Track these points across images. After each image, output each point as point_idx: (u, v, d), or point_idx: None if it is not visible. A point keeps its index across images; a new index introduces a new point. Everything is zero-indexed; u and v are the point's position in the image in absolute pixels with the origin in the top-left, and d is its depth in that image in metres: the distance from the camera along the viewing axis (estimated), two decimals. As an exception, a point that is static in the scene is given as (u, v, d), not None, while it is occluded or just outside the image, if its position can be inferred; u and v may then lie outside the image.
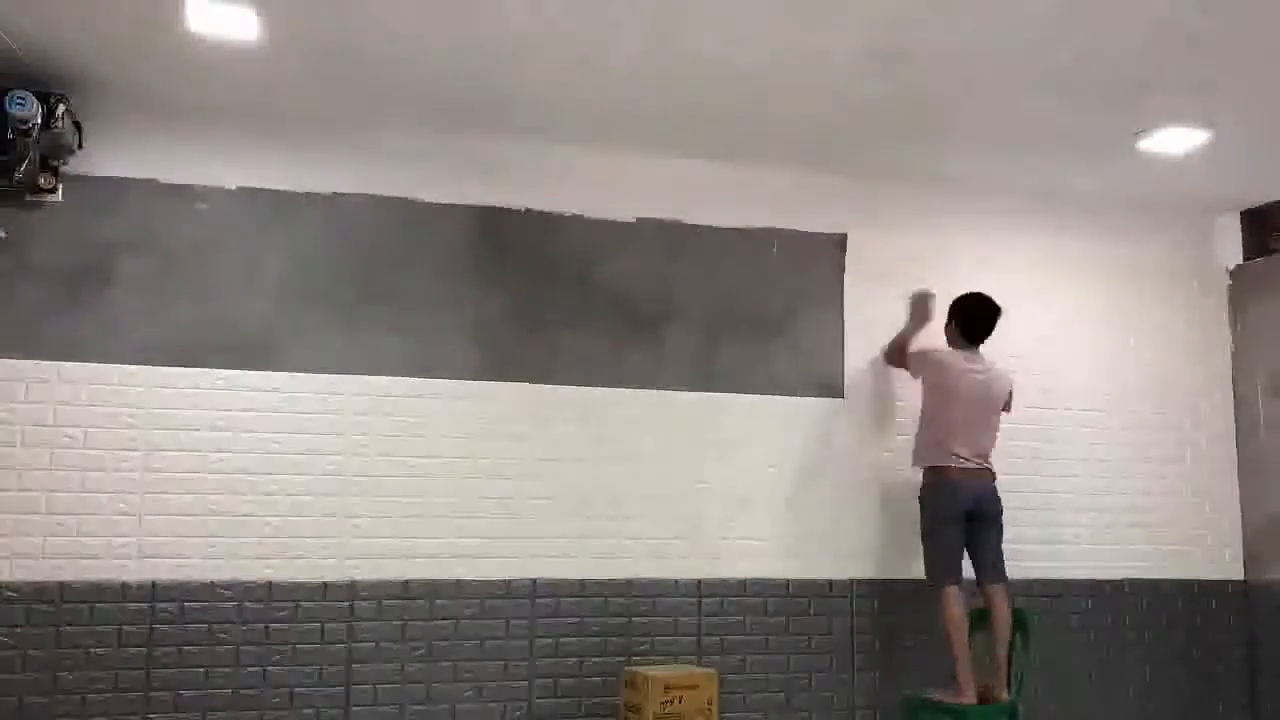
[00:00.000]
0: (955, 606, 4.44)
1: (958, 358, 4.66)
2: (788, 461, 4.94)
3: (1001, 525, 4.60)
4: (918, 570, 4.65)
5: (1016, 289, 5.29)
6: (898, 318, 4.94)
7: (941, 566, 4.52)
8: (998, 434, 4.67)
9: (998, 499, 4.59)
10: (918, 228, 5.24)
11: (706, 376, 4.87)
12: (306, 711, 4.24)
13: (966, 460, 4.53)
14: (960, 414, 4.58)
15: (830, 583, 4.91)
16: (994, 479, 4.60)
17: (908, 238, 5.21)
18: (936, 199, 5.26)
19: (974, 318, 4.68)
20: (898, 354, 4.93)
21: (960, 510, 4.51)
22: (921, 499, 4.64)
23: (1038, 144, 4.71)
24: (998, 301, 4.71)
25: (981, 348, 4.71)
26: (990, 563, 4.56)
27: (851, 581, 4.92)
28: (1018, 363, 5.15)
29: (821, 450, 4.99)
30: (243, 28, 3.67)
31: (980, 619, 4.57)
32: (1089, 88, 4.09)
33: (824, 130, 4.59)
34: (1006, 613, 4.54)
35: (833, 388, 5.04)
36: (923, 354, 4.78)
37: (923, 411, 4.75)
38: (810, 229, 5.09)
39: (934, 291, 4.85)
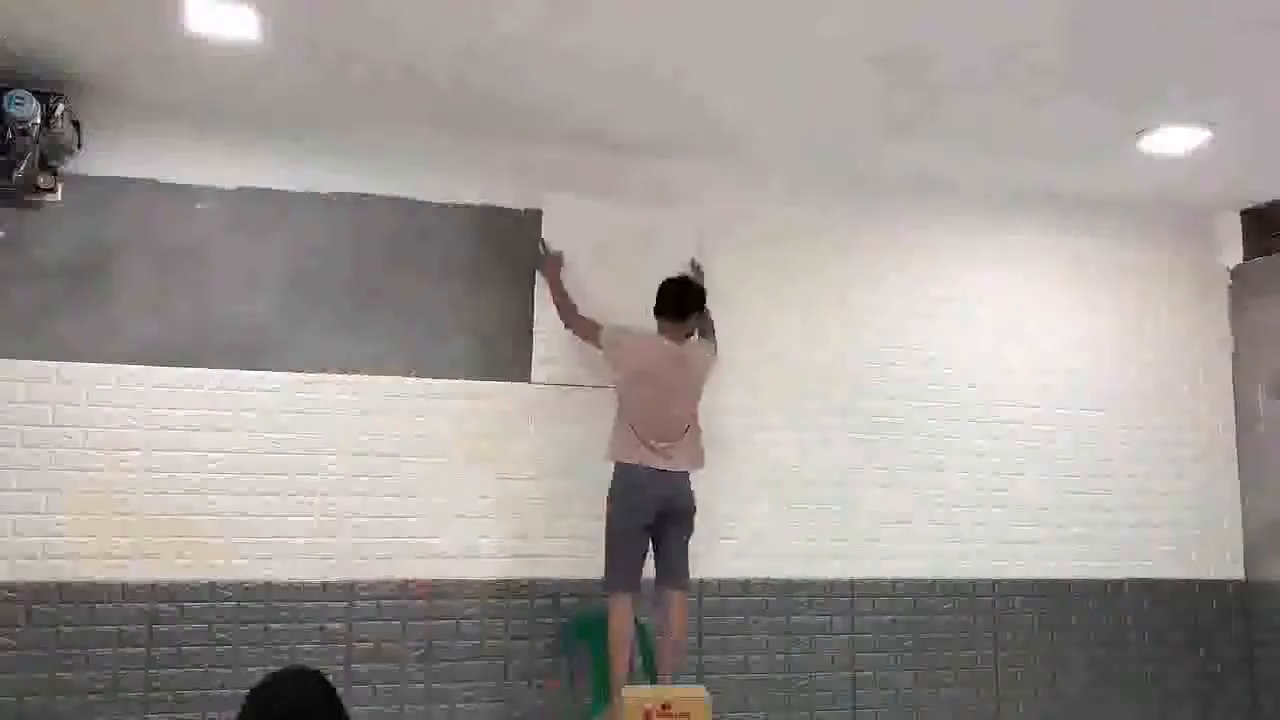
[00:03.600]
0: (623, 620, 4.03)
1: (647, 338, 4.23)
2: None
3: (692, 525, 4.20)
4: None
5: (1015, 289, 5.31)
6: (894, 316, 4.91)
7: (616, 573, 4.08)
8: (694, 420, 4.25)
9: (689, 495, 4.17)
10: (914, 227, 5.23)
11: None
12: (306, 711, 4.23)
13: (655, 454, 4.09)
14: (649, 399, 4.13)
15: (833, 582, 4.91)
16: (688, 474, 4.18)
17: (904, 237, 5.21)
18: (934, 199, 5.25)
19: (660, 294, 4.24)
20: (569, 318, 4.44)
21: (647, 512, 4.08)
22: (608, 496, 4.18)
23: (1037, 144, 4.70)
24: (694, 279, 4.44)
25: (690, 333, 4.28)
26: (671, 565, 4.15)
27: (851, 582, 4.92)
28: (1017, 362, 5.16)
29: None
30: (243, 28, 3.67)
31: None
32: (1089, 88, 4.09)
33: (822, 131, 4.59)
34: (680, 620, 4.14)
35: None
36: (610, 332, 4.28)
37: (617, 399, 4.26)
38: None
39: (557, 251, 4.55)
